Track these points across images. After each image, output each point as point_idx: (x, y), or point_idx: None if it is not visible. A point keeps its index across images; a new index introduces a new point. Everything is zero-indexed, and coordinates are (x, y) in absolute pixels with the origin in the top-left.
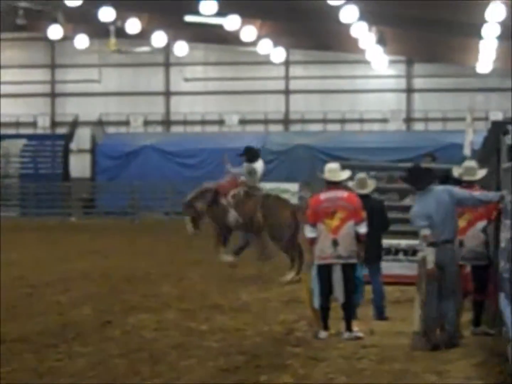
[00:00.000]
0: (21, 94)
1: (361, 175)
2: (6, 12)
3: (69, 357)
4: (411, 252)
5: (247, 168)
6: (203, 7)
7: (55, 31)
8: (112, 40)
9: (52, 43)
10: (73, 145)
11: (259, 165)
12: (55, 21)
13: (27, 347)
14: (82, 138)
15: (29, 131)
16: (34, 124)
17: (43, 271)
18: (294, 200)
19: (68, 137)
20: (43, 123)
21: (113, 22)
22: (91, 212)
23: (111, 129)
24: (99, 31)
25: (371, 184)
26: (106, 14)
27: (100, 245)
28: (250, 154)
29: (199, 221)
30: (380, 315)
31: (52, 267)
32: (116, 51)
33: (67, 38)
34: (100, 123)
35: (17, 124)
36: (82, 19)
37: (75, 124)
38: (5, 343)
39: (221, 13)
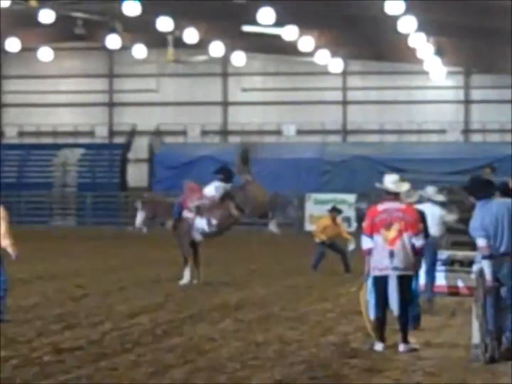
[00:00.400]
0: (80, 103)
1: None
2: (65, 22)
3: (127, 367)
4: (467, 263)
5: (222, 189)
6: (261, 17)
7: (113, 41)
8: (170, 49)
9: (110, 53)
10: (130, 155)
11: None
12: (113, 30)
13: (85, 357)
14: (140, 147)
15: (87, 140)
16: (92, 134)
17: (100, 281)
18: (351, 212)
19: (126, 147)
20: (101, 132)
21: (171, 32)
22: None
23: (168, 139)
24: (157, 40)
25: (415, 194)
26: (164, 23)
27: (157, 255)
28: (226, 174)
29: (150, 221)
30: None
31: (109, 276)
32: (174, 60)
33: (125, 47)
34: (157, 133)
35: (75, 134)
36: (140, 28)
37: (132, 133)
38: (64, 352)
39: (279, 23)
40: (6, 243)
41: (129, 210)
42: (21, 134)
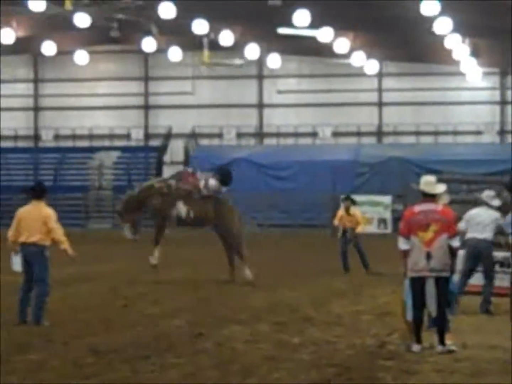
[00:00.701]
0: (115, 106)
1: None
2: (101, 25)
3: (161, 368)
4: (507, 264)
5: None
6: (296, 19)
7: (149, 44)
8: (206, 52)
9: (145, 56)
10: (166, 157)
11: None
12: (149, 33)
13: (120, 359)
14: (175, 150)
15: (123, 143)
16: (128, 136)
17: (135, 283)
18: (387, 213)
19: (162, 149)
20: (137, 135)
21: (207, 35)
22: (184, 224)
23: (204, 141)
24: (192, 43)
25: (446, 196)
26: (200, 26)
27: (193, 257)
28: (225, 178)
29: (137, 226)
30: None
31: (144, 278)
32: (209, 63)
33: (161, 50)
34: (193, 135)
35: (111, 136)
36: (175, 31)
37: (168, 136)
38: (99, 354)
39: (314, 25)
40: (64, 246)
41: None
42: (57, 137)
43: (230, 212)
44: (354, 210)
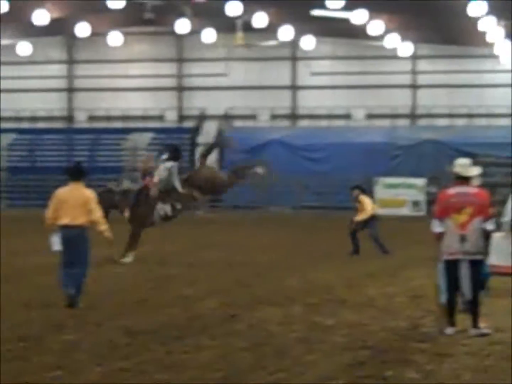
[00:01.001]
0: (149, 88)
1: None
2: (134, 6)
3: (195, 349)
4: None
5: (171, 168)
6: (331, 1)
7: (182, 25)
8: (239, 34)
9: (179, 37)
10: (200, 139)
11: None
12: (182, 15)
13: (155, 339)
14: (209, 131)
15: (156, 124)
16: (161, 118)
17: (170, 265)
18: (421, 196)
19: (195, 131)
20: (171, 116)
21: (240, 16)
22: (218, 205)
23: (237, 123)
24: (226, 25)
25: (477, 178)
26: (234, 8)
27: (226, 239)
28: (174, 153)
29: (109, 213)
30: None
31: (179, 260)
32: (243, 45)
33: (195, 32)
34: (227, 117)
35: (145, 118)
36: (209, 13)
37: (202, 117)
38: (135, 335)
39: (348, 7)
40: (102, 228)
41: None
42: (91, 118)
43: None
44: (363, 198)
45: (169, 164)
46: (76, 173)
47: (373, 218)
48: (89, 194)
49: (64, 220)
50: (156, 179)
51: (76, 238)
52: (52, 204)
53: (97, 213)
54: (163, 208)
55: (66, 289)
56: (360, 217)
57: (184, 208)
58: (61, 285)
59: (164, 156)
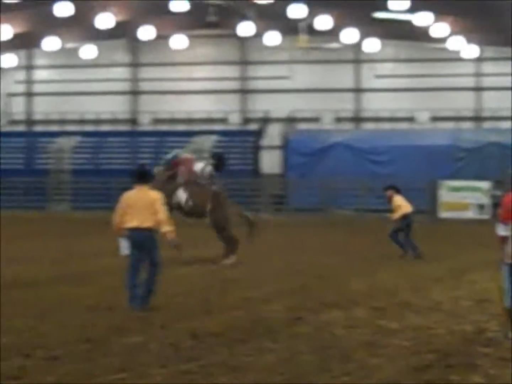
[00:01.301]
0: (213, 90)
1: None
2: (198, 9)
3: (259, 352)
4: None
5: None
6: (394, 4)
7: (246, 28)
8: (303, 36)
9: (243, 40)
10: (263, 141)
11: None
12: (246, 18)
13: (219, 342)
14: (273, 134)
15: (220, 127)
16: (225, 121)
17: (234, 267)
18: (485, 199)
19: (259, 134)
20: (235, 119)
21: (304, 19)
22: (282, 208)
23: (301, 126)
24: (289, 27)
25: None
26: (297, 10)
27: (290, 242)
28: (219, 162)
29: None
30: None
31: (244, 263)
32: (306, 47)
33: (258, 34)
34: (290, 120)
35: (209, 121)
36: (273, 15)
37: (266, 120)
38: (199, 337)
39: (412, 9)
40: (166, 229)
41: (262, 197)
42: (155, 121)
43: (223, 205)
44: (395, 198)
45: (208, 168)
46: (141, 176)
47: (405, 218)
48: (155, 195)
49: (132, 224)
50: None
51: (145, 241)
52: (119, 208)
53: (162, 214)
54: (181, 195)
55: (133, 292)
56: (394, 216)
57: (194, 208)
58: (128, 288)
59: (211, 162)
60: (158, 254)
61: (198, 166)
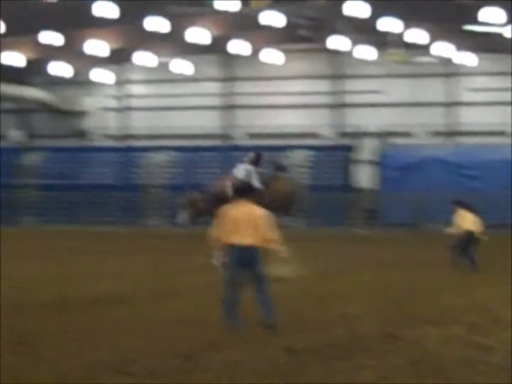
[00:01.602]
0: (305, 105)
1: None
2: (291, 24)
3: (356, 369)
4: None
5: (249, 170)
6: (488, 16)
7: (338, 42)
8: (396, 50)
9: (335, 54)
10: (357, 156)
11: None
12: (338, 31)
13: (316, 358)
14: (366, 149)
15: (313, 142)
16: (317, 135)
17: (330, 282)
18: None
19: (352, 148)
20: (327, 133)
21: (396, 33)
22: (375, 223)
23: (395, 140)
24: (382, 41)
25: None
26: (389, 24)
27: (383, 256)
28: (255, 158)
29: (197, 217)
30: None
31: (337, 277)
32: (399, 61)
33: (350, 48)
34: (384, 134)
35: (301, 135)
36: (365, 29)
37: (359, 135)
38: (295, 353)
39: (507, 22)
40: (278, 247)
41: (354, 211)
42: (249, 135)
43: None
44: (459, 213)
45: (248, 166)
46: (244, 191)
47: (469, 235)
48: (260, 212)
49: (235, 239)
50: (232, 178)
51: (249, 257)
52: (220, 223)
53: (271, 232)
54: None
55: (229, 308)
56: (450, 230)
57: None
58: (225, 304)
59: (246, 158)
60: (262, 269)
61: (241, 170)
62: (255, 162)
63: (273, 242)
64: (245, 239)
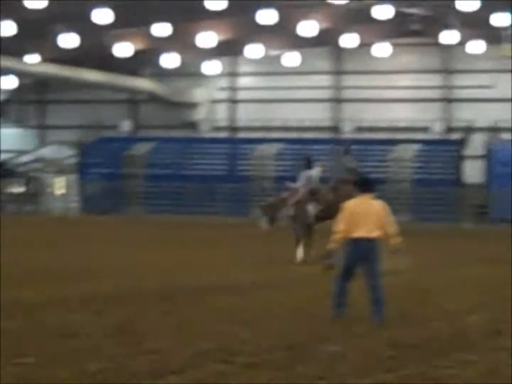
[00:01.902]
0: (416, 99)
1: None
2: (401, 18)
3: (461, 364)
4: None
5: (306, 175)
6: None
7: (449, 36)
8: (506, 45)
9: (446, 48)
10: (466, 151)
11: (315, 172)
12: (449, 26)
13: (419, 353)
14: (476, 144)
15: (422, 136)
16: (427, 129)
17: (434, 277)
18: None
19: (462, 143)
20: (438, 128)
21: (507, 27)
22: (484, 218)
23: (505, 135)
24: (494, 36)
25: None
26: (501, 19)
27: (490, 253)
28: (306, 162)
29: (274, 221)
30: None
31: (443, 273)
32: (510, 56)
33: (462, 43)
34: (494, 129)
35: (411, 129)
36: (476, 24)
37: (469, 130)
38: (399, 347)
39: None
40: (397, 241)
41: (463, 207)
42: (358, 129)
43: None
44: None
45: (309, 172)
46: (365, 185)
47: None
48: (380, 205)
49: (358, 233)
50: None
51: (370, 251)
52: (343, 217)
53: (392, 226)
54: (310, 209)
55: (339, 301)
56: None
57: (297, 216)
58: (335, 296)
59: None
60: (378, 264)
61: (304, 178)
62: (307, 166)
63: (393, 235)
64: (368, 232)
